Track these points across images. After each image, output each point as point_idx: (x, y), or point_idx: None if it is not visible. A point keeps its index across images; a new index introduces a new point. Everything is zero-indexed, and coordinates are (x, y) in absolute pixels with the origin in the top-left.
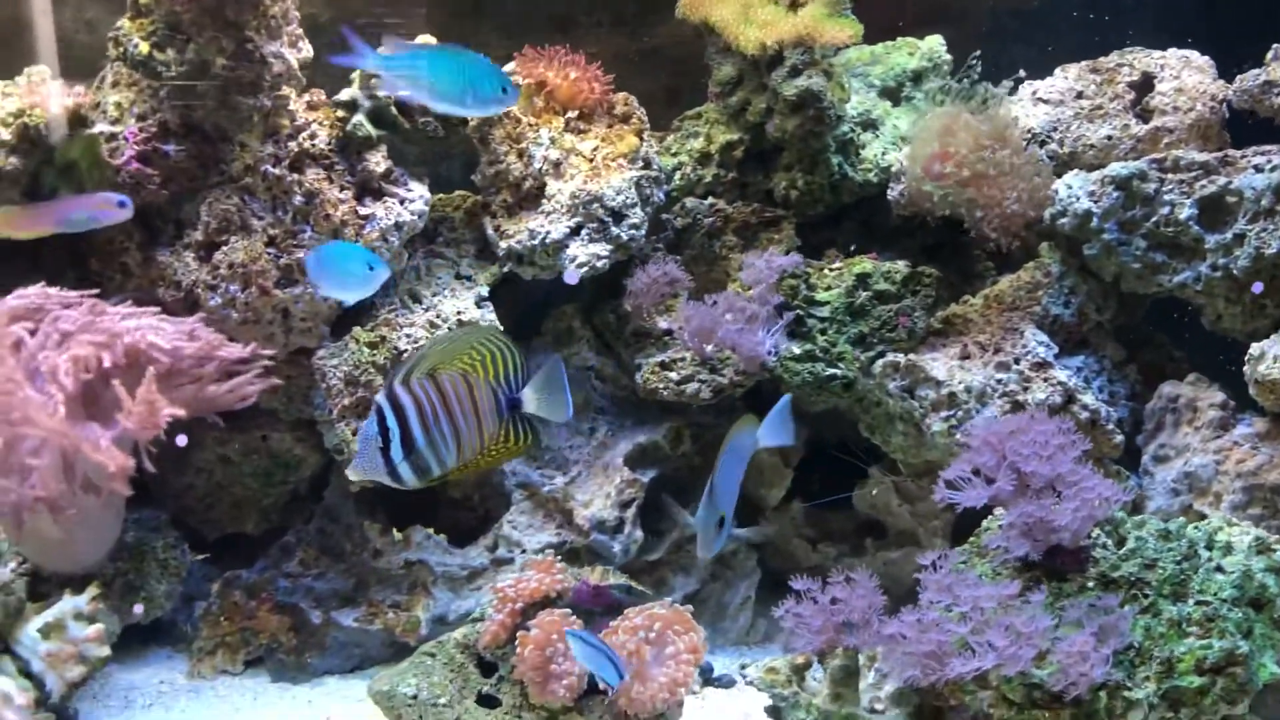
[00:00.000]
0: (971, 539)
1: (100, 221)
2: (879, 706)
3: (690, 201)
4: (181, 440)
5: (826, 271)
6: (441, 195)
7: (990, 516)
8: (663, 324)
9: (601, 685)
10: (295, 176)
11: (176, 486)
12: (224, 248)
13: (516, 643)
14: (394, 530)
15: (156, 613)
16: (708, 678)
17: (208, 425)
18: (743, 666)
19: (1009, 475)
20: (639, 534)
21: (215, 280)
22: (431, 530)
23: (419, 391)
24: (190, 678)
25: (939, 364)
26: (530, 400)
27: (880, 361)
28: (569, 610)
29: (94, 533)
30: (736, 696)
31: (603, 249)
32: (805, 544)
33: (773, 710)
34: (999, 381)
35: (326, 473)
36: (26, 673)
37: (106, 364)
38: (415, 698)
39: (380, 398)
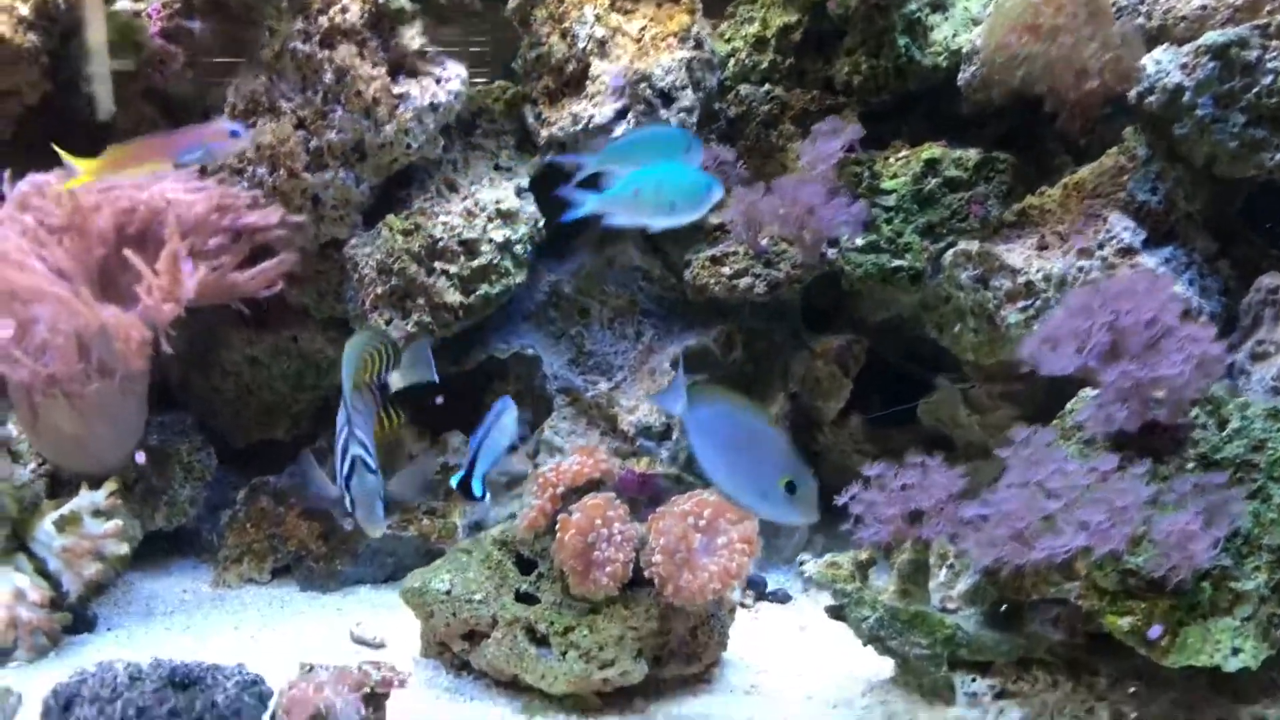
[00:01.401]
0: (1056, 420)
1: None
2: (951, 605)
3: (745, 89)
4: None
5: (892, 160)
6: (480, 85)
7: (1076, 397)
8: (713, 218)
9: (647, 572)
10: (325, 53)
11: (203, 391)
12: (251, 130)
13: (556, 528)
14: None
15: (180, 519)
16: (761, 592)
17: (235, 324)
18: (800, 563)
19: (1104, 334)
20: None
21: (241, 163)
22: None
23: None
24: (215, 586)
25: (1015, 253)
26: (396, 379)
27: (951, 250)
28: (613, 495)
29: (113, 428)
30: (793, 611)
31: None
32: (865, 460)
33: (834, 610)
34: (1081, 269)
35: None
36: (44, 572)
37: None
38: (449, 593)
39: (357, 449)
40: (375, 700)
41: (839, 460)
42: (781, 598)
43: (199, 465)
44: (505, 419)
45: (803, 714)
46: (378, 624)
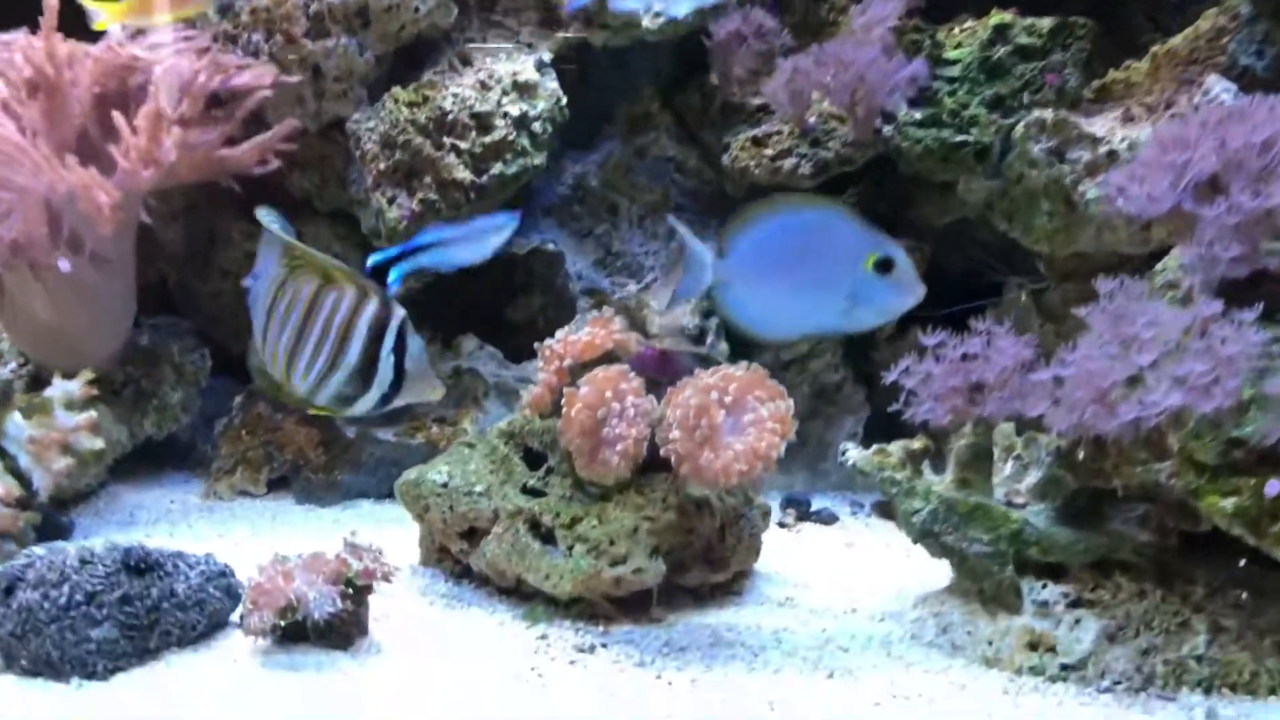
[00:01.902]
0: (1144, 282)
1: None
2: (1019, 500)
3: None
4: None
5: (956, 30)
6: None
7: (1167, 256)
8: (755, 100)
9: (663, 450)
10: None
11: (201, 294)
12: None
13: (562, 404)
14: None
15: (171, 425)
16: (804, 511)
17: (234, 218)
18: (843, 452)
19: (1208, 161)
20: (724, 346)
21: (236, 29)
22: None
23: None
24: (205, 498)
25: (1096, 124)
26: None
27: (1023, 122)
28: (627, 369)
29: (93, 317)
30: (839, 531)
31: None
32: None
33: (880, 506)
34: None
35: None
36: (16, 472)
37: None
38: (445, 485)
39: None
40: (357, 594)
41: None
42: (827, 517)
43: (191, 367)
44: (491, 235)
45: (843, 628)
46: (379, 537)
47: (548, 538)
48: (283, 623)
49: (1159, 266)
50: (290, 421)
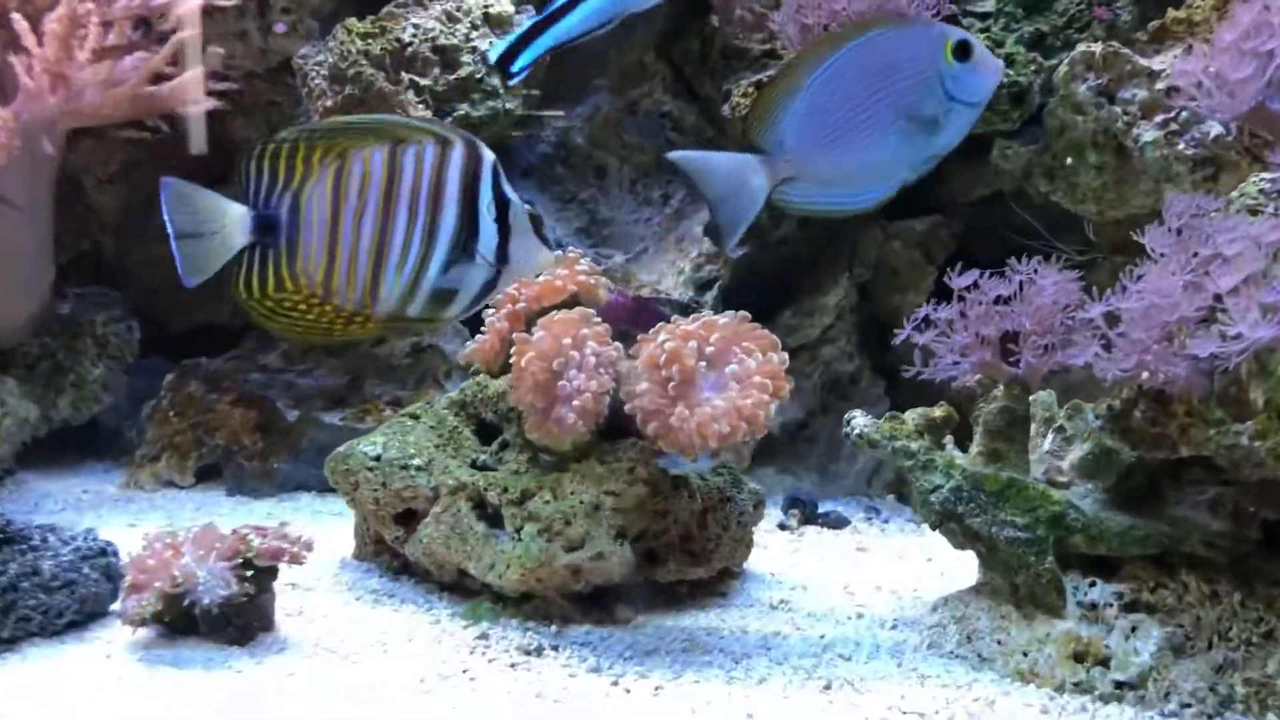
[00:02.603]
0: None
1: None
2: (1062, 479)
3: None
4: None
5: None
6: None
7: (1246, 183)
8: (760, 44)
9: (628, 406)
10: None
11: (139, 264)
12: None
13: (511, 355)
14: None
15: (91, 406)
16: (809, 513)
17: (168, 171)
18: (848, 421)
19: None
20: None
21: None
22: None
23: None
24: (124, 488)
25: (1154, 60)
26: None
27: (1069, 56)
28: (592, 313)
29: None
30: (849, 535)
31: None
32: None
33: (894, 484)
34: None
35: None
36: None
37: None
38: (378, 459)
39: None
40: (258, 577)
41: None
42: (835, 520)
43: (116, 340)
44: None
45: (846, 634)
46: (316, 531)
47: (494, 519)
48: (166, 610)
49: (1235, 192)
50: (225, 402)
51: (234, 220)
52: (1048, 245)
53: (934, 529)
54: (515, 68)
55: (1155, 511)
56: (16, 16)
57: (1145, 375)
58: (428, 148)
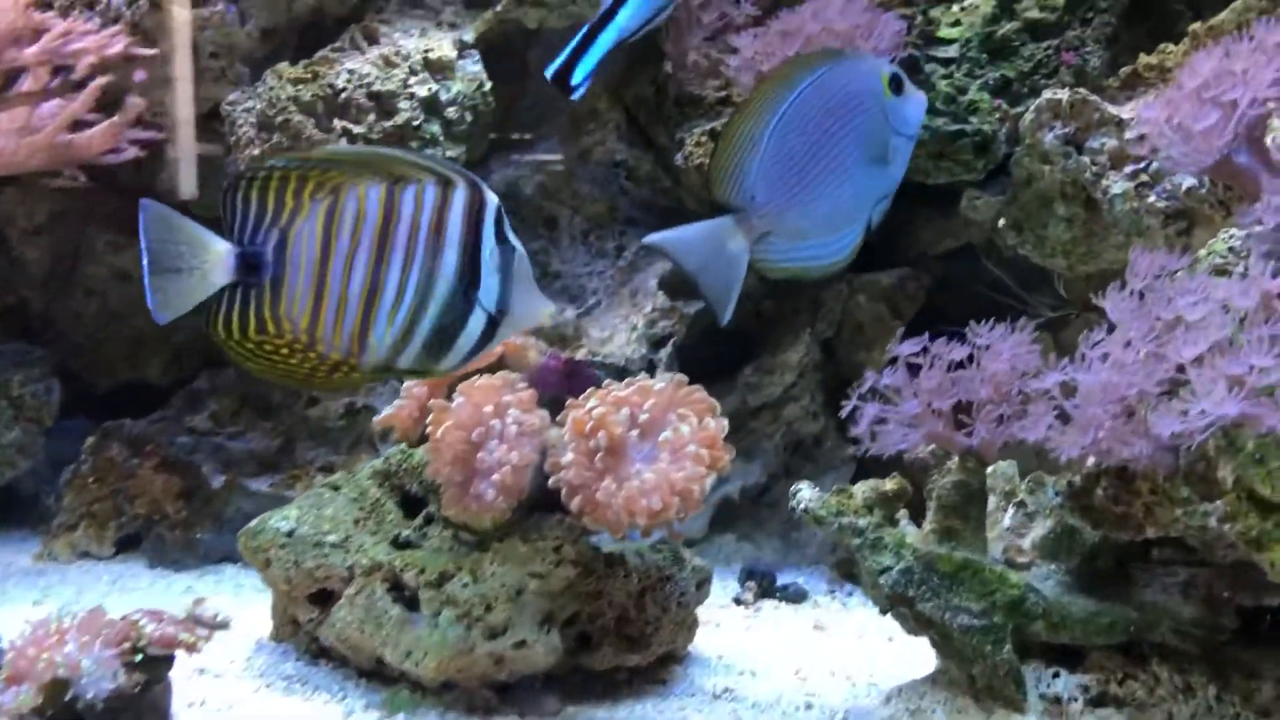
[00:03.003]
0: (1187, 269)
1: None
2: (1022, 559)
3: None
4: None
5: (954, 7)
6: None
7: (1214, 240)
8: (716, 91)
9: (553, 480)
10: None
11: (65, 319)
12: None
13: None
14: None
15: (6, 472)
16: (766, 586)
17: (101, 227)
18: (794, 494)
19: (1270, 89)
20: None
21: None
22: None
23: None
24: (38, 560)
25: (1124, 108)
26: None
27: (1035, 104)
28: (517, 377)
29: None
30: (809, 611)
31: None
32: None
33: (843, 564)
34: None
35: None
36: None
37: None
38: (291, 534)
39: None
40: (151, 666)
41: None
42: (794, 594)
43: (33, 401)
44: None
45: None
46: (235, 609)
47: (412, 602)
48: (48, 703)
49: (1203, 250)
50: (148, 467)
51: (216, 257)
52: (1018, 302)
53: (884, 614)
54: (575, 80)
55: (1123, 595)
56: None
57: (1102, 453)
58: (428, 187)
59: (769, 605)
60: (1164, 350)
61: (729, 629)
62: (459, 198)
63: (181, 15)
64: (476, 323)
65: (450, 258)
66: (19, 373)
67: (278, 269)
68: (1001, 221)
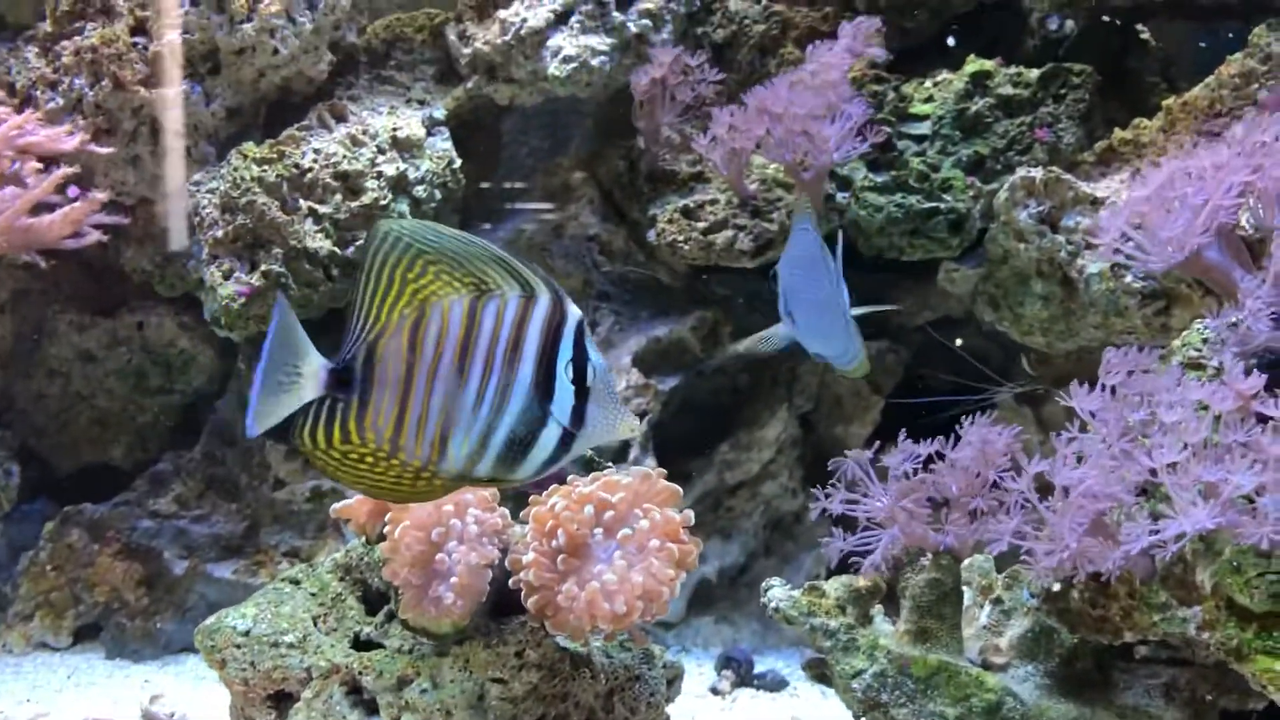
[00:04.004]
0: (1159, 361)
1: None
2: (999, 659)
3: (736, 4)
4: None
5: (927, 83)
6: (399, 14)
7: (1189, 331)
8: (688, 166)
9: (512, 580)
10: None
11: (26, 399)
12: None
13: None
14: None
15: None
16: (743, 674)
17: (64, 307)
18: (766, 589)
19: (1233, 197)
20: (652, 462)
21: (56, 73)
22: None
23: None
24: None
25: (1099, 185)
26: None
27: (1009, 181)
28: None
29: None
30: (787, 701)
31: (600, 41)
32: None
33: (814, 664)
34: None
35: (226, 380)
36: None
37: None
38: (247, 634)
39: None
40: None
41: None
42: (772, 683)
43: None
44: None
45: None
46: (197, 703)
47: (371, 707)
48: None
49: (1177, 341)
50: (107, 554)
51: (310, 373)
52: (989, 381)
53: (859, 718)
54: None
55: (1104, 699)
56: None
57: (1077, 563)
58: (510, 301)
59: (746, 695)
60: (1137, 454)
61: None
62: (539, 312)
63: (167, 94)
64: (551, 436)
65: (526, 371)
66: None
67: (365, 386)
68: (976, 298)
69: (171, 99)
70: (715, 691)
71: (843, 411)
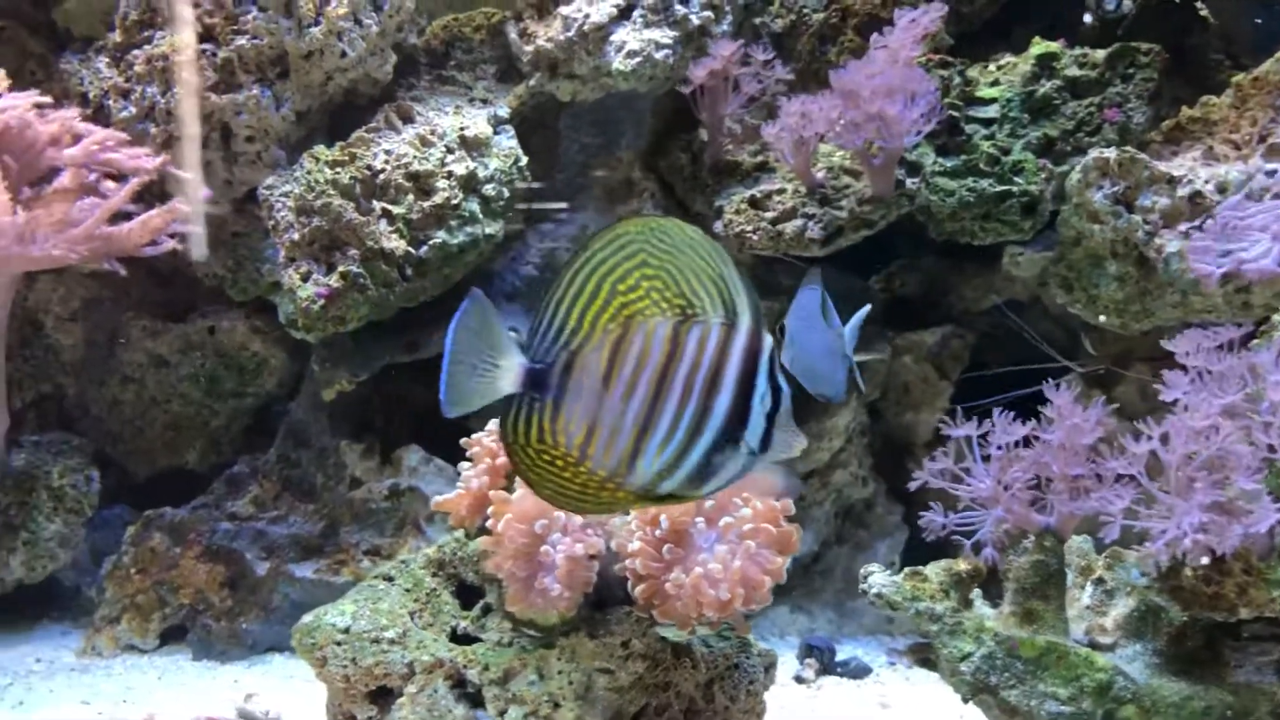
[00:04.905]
0: (1261, 339)
1: None
2: (1106, 639)
3: None
4: None
5: (991, 66)
6: (456, 15)
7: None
8: (752, 156)
9: (617, 565)
10: None
11: (100, 406)
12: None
13: (489, 515)
14: (379, 453)
15: (46, 565)
16: (826, 662)
17: (137, 313)
18: (865, 576)
19: None
20: None
21: (128, 81)
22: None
23: None
24: (81, 655)
25: (1172, 163)
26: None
27: (1082, 162)
28: None
29: None
30: (871, 686)
31: (663, 35)
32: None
33: (918, 647)
34: (1271, 173)
35: (299, 382)
36: None
37: None
38: (347, 631)
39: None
40: None
41: (938, 495)
42: (856, 670)
43: (74, 493)
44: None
45: None
46: (284, 701)
47: (476, 699)
48: None
49: (1277, 315)
50: (190, 556)
51: (507, 369)
52: (1056, 360)
53: (966, 701)
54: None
55: (1215, 677)
56: None
57: (1195, 542)
58: (713, 330)
59: (830, 682)
60: (1254, 431)
61: (792, 710)
62: (739, 343)
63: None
64: (739, 459)
65: (724, 401)
66: (59, 463)
67: (559, 392)
68: (1048, 280)
69: (242, 103)
70: (799, 680)
71: (910, 399)
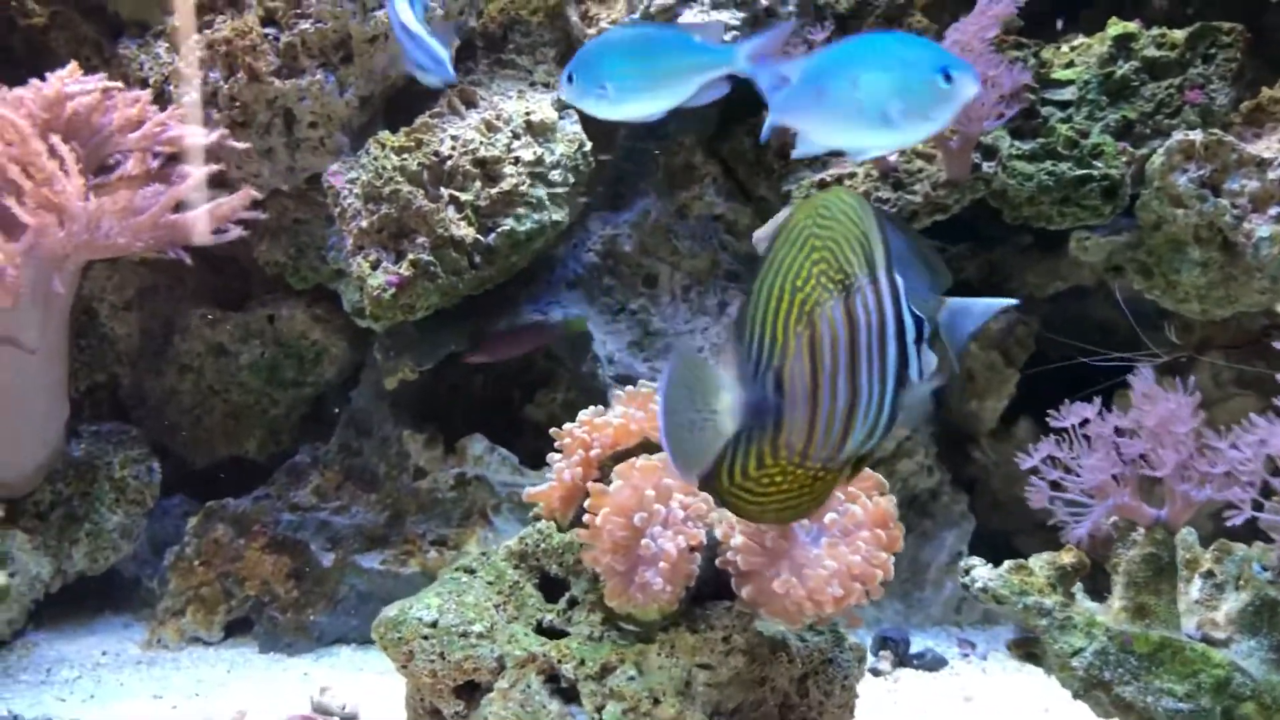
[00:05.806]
0: None
1: None
2: (1219, 634)
3: None
4: None
5: (1064, 47)
6: None
7: None
8: None
9: (719, 560)
10: None
11: (157, 395)
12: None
13: (585, 509)
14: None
15: (108, 557)
16: (901, 655)
17: (194, 301)
18: (966, 570)
19: None
20: None
21: (190, 68)
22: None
23: None
24: (146, 647)
25: (1259, 145)
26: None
27: (1165, 145)
28: None
29: (8, 423)
30: (949, 679)
31: (731, 16)
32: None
33: (1021, 644)
34: None
35: (358, 370)
36: None
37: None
38: (435, 625)
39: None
40: None
41: (1003, 485)
42: (931, 662)
43: (135, 483)
44: None
45: None
46: (356, 694)
47: (570, 695)
48: None
49: None
50: (255, 547)
51: (726, 408)
52: (1129, 348)
53: (1077, 697)
54: None
55: None
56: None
57: None
58: (867, 291)
59: (907, 674)
60: None
61: (872, 703)
62: (885, 295)
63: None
64: (911, 395)
65: (892, 351)
66: (119, 453)
67: (778, 413)
68: (1125, 265)
69: (306, 88)
70: (875, 673)
71: (975, 386)
